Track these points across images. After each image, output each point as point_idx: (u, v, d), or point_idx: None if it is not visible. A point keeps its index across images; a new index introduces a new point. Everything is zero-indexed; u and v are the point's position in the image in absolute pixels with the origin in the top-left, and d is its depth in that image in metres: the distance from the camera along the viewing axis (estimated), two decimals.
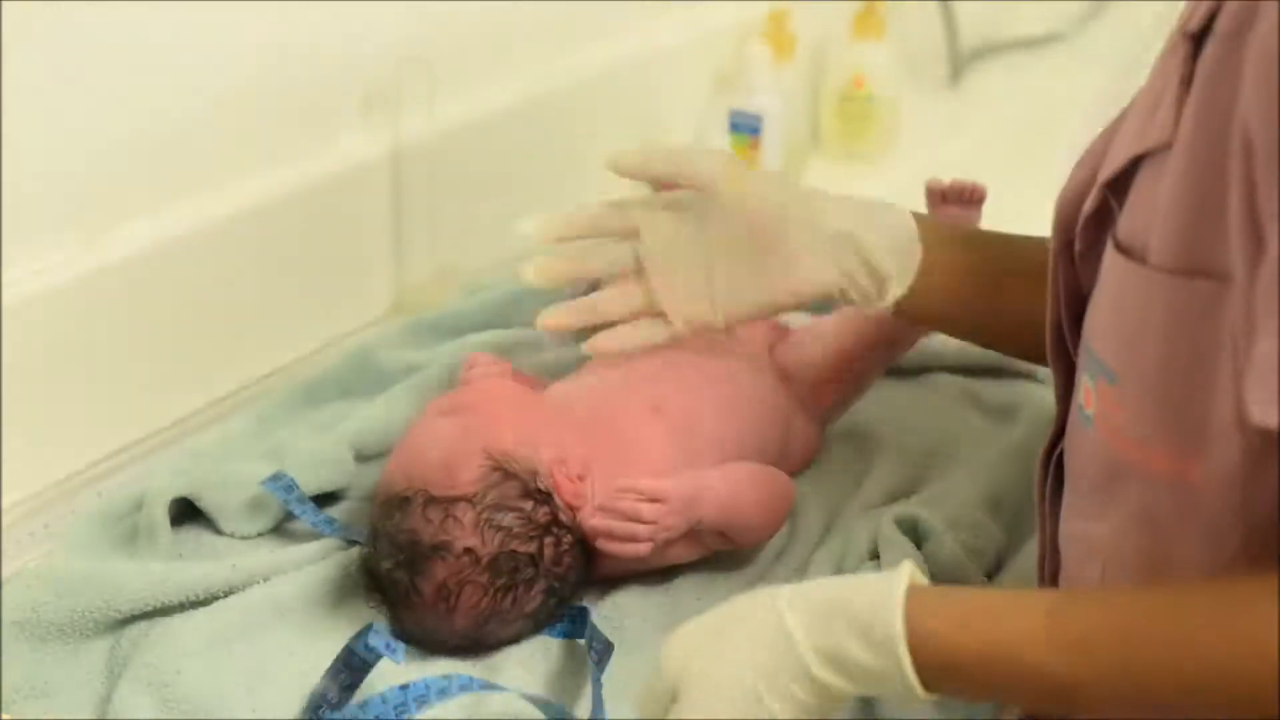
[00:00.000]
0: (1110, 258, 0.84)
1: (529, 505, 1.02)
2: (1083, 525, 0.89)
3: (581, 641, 1.01)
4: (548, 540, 1.02)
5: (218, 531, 1.09)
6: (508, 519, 1.01)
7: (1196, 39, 0.79)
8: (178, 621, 1.00)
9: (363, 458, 1.16)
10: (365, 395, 1.24)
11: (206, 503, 1.09)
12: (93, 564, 1.02)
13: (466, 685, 0.95)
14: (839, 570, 1.06)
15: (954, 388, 1.31)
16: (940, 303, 1.07)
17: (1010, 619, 0.80)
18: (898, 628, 0.79)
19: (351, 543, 1.08)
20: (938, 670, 0.79)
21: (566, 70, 1.59)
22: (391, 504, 1.02)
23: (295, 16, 1.31)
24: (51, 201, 1.17)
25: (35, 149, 1.13)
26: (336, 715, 0.94)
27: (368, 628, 0.97)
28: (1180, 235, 0.78)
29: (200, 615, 1.00)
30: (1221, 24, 0.77)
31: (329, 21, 1.34)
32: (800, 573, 1.07)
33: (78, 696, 0.97)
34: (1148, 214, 0.81)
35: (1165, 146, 0.80)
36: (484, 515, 1.01)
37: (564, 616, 1.04)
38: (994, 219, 1.18)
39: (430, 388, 1.22)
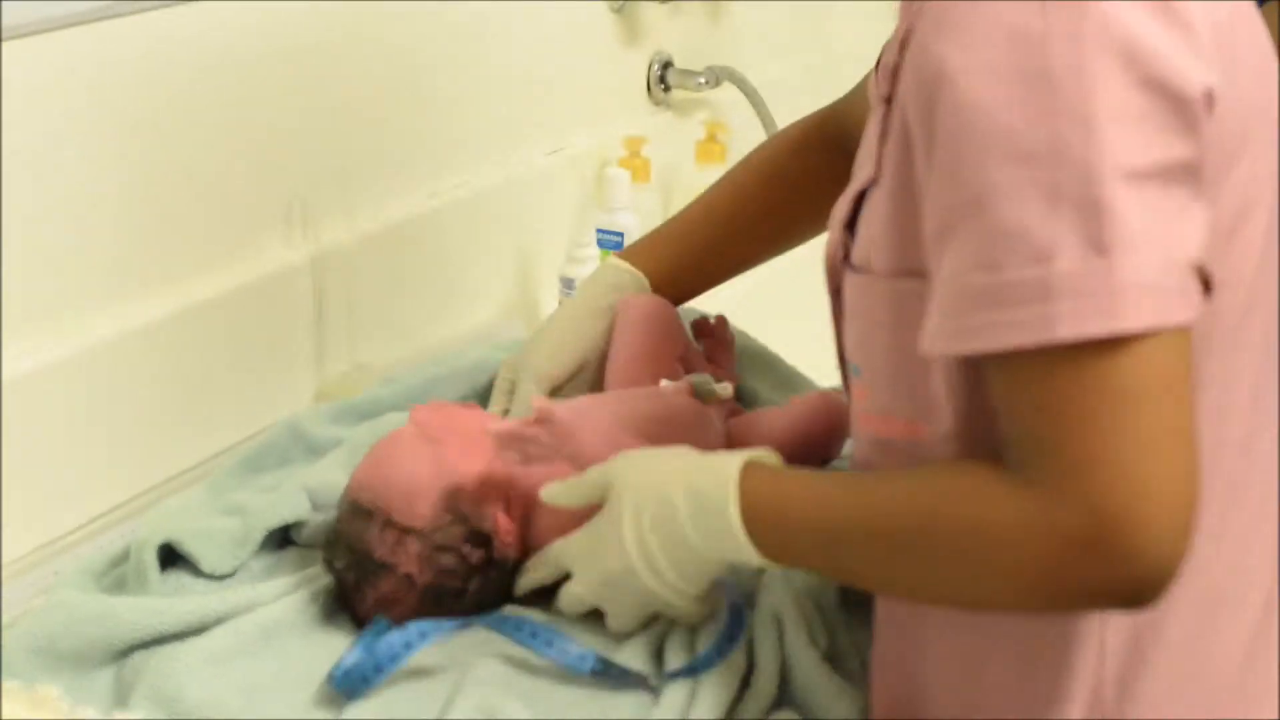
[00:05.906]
0: (848, 278, 1.04)
1: (468, 549, 1.16)
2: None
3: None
4: (474, 581, 1.16)
5: (195, 574, 1.21)
6: (447, 559, 1.15)
7: (888, 100, 1.02)
8: (176, 648, 1.11)
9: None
10: (303, 463, 1.36)
11: (188, 547, 1.21)
12: (99, 599, 1.14)
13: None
14: None
15: None
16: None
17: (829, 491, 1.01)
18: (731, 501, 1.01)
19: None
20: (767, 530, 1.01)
21: (461, 185, 1.76)
22: (357, 512, 1.16)
23: (227, 138, 1.47)
24: (36, 290, 1.31)
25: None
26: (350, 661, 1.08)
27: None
28: (892, 245, 0.99)
29: (197, 641, 1.12)
30: (898, 90, 0.99)
31: (259, 141, 1.50)
32: None
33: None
34: (869, 236, 1.02)
35: (873, 182, 1.02)
36: (428, 551, 1.15)
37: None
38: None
39: (359, 453, 1.33)
